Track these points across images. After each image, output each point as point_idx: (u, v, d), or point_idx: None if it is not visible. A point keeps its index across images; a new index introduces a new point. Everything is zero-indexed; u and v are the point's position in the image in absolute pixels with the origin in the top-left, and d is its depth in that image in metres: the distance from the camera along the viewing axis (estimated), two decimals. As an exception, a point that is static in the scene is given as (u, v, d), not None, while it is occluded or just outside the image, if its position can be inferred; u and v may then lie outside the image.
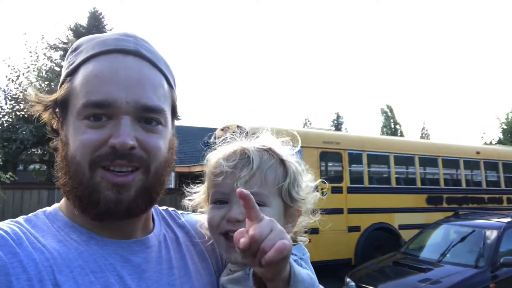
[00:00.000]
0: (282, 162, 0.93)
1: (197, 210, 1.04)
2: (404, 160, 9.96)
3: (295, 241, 0.97)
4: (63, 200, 0.91)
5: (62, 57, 18.30)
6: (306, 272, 0.75)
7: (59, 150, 0.86)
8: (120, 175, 0.80)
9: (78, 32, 21.68)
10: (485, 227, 6.86)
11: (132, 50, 0.85)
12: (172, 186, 18.39)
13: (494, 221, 7.23)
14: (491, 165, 11.29)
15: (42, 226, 0.84)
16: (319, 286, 0.80)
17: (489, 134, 24.28)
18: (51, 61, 18.86)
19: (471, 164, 10.96)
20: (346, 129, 45.67)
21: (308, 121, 48.72)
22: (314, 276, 0.78)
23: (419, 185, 9.83)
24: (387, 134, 37.17)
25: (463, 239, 6.87)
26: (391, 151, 9.55)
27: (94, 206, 0.79)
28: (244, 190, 0.68)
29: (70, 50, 0.90)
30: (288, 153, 0.96)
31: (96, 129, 0.79)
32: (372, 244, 8.74)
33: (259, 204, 0.87)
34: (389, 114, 42.40)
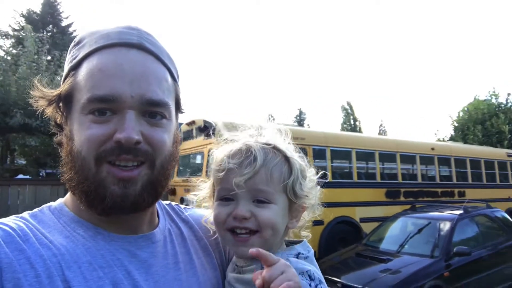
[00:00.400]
0: (286, 159, 0.95)
1: (201, 205, 1.04)
2: (365, 155, 10.31)
3: (298, 236, 1.01)
4: (68, 195, 0.90)
5: (14, 45, 17.28)
6: None
7: (63, 145, 0.85)
8: (126, 169, 0.80)
9: (31, 19, 20.55)
10: (440, 219, 7.27)
11: (136, 44, 0.84)
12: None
13: (448, 213, 7.68)
14: (444, 161, 11.94)
15: (48, 222, 0.84)
16: None
17: (442, 131, 25.57)
18: (2, 49, 17.75)
19: (426, 160, 11.53)
20: (308, 125, 46.55)
21: (272, 116, 49.09)
22: None
23: (378, 179, 10.22)
24: (347, 130, 38.25)
25: (419, 230, 7.25)
26: (353, 147, 9.86)
27: (101, 201, 0.79)
28: (254, 250, 0.76)
29: (72, 44, 0.88)
30: (292, 149, 0.98)
31: (101, 124, 0.79)
32: (335, 237, 8.98)
33: (264, 202, 0.90)
34: (349, 111, 43.64)
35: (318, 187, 1.03)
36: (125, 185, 0.80)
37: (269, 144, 0.96)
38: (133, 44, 0.84)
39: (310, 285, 0.85)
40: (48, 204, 0.90)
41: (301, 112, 51.16)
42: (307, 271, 0.87)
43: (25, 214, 0.85)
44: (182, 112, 0.97)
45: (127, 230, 0.87)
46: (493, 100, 23.10)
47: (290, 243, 1.01)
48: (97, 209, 0.81)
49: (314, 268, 0.90)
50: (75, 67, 0.84)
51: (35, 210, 0.87)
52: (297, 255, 0.93)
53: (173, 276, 0.89)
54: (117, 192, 0.79)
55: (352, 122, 43.24)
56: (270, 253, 0.78)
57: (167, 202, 1.08)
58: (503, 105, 22.68)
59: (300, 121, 48.06)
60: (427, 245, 6.78)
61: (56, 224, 0.83)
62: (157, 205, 0.99)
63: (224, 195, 0.93)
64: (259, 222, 0.89)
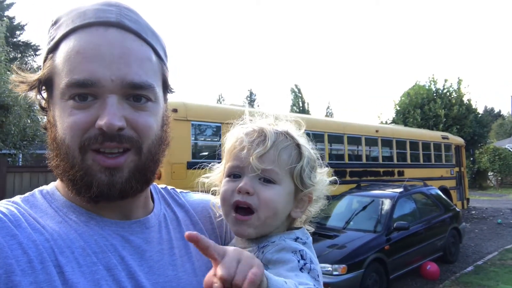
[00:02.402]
0: (297, 146, 0.97)
1: (210, 188, 1.04)
2: (315, 137, 10.58)
3: (299, 227, 1.01)
4: (59, 180, 0.87)
5: None
6: (282, 280, 0.74)
7: (48, 131, 0.82)
8: (111, 157, 0.77)
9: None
10: (382, 197, 7.76)
11: (114, 22, 0.79)
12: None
13: (389, 191, 8.20)
14: (387, 142, 12.63)
15: (40, 207, 0.82)
16: None
17: (385, 114, 26.89)
18: None
19: (370, 141, 12.13)
20: (258, 105, 46.85)
21: (222, 97, 48.86)
22: (291, 286, 0.76)
23: (327, 160, 10.62)
24: (296, 112, 39.05)
25: (364, 208, 7.69)
26: (305, 129, 10.10)
27: (87, 189, 0.77)
28: (192, 233, 0.63)
29: (50, 24, 0.83)
30: (305, 141, 1.00)
31: (82, 110, 0.76)
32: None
33: (269, 181, 0.92)
34: (298, 93, 44.48)
35: (327, 182, 1.03)
36: (111, 173, 0.78)
37: (282, 130, 0.98)
38: (111, 22, 0.79)
39: (299, 261, 0.85)
40: (40, 188, 0.87)
41: (251, 93, 51.32)
42: (300, 251, 0.87)
43: (17, 199, 0.82)
44: (171, 92, 0.93)
45: (121, 215, 0.86)
46: (432, 86, 24.57)
47: (289, 229, 1.00)
48: (84, 197, 0.79)
49: (309, 251, 0.90)
50: (53, 49, 0.80)
51: (27, 194, 0.85)
52: (295, 240, 0.93)
53: (167, 262, 0.88)
54: (104, 180, 0.77)
55: (300, 104, 44.15)
56: (217, 244, 0.66)
57: (163, 186, 1.06)
58: (440, 91, 24.26)
59: (250, 102, 48.21)
60: (371, 221, 7.23)
61: (48, 209, 0.81)
62: (152, 189, 0.97)
63: (232, 172, 0.95)
64: (260, 200, 0.90)
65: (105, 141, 0.76)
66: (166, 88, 0.90)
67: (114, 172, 0.78)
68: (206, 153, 8.22)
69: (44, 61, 0.82)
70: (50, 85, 0.80)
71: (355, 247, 6.25)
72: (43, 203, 0.83)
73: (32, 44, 26.89)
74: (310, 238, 0.97)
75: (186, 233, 0.64)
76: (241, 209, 0.91)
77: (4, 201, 0.80)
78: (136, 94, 0.79)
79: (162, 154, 0.88)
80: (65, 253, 0.75)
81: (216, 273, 0.63)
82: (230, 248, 0.67)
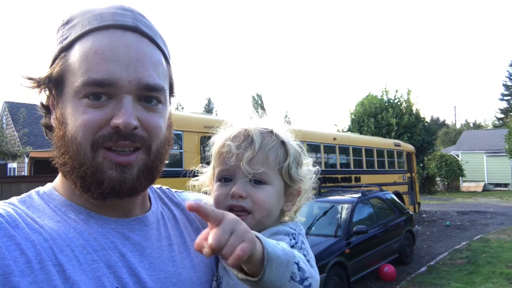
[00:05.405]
0: (283, 143, 0.99)
1: (201, 189, 1.06)
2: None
3: (292, 219, 1.05)
4: (58, 180, 0.88)
5: None
6: (281, 248, 0.74)
7: (54, 129, 0.83)
8: (122, 154, 0.79)
9: None
10: (342, 202, 8.00)
11: (131, 26, 0.82)
12: (25, 173, 16.24)
13: (348, 197, 8.47)
14: (344, 150, 13.08)
15: (38, 207, 0.81)
16: (296, 258, 0.78)
17: (341, 123, 27.74)
18: None
19: (329, 149, 12.50)
20: (216, 114, 46.77)
21: (180, 105, 48.26)
22: (289, 251, 0.76)
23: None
24: (255, 121, 39.24)
25: (325, 213, 7.87)
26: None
27: (98, 186, 0.79)
28: (192, 203, 0.63)
29: (61, 23, 0.84)
30: (288, 136, 1.02)
31: (97, 108, 0.77)
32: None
33: (260, 182, 0.94)
34: (258, 101, 44.94)
35: (313, 174, 1.07)
36: (122, 170, 0.79)
37: (266, 128, 1.00)
38: (128, 26, 0.81)
39: (290, 240, 0.90)
40: (36, 189, 0.87)
41: (210, 102, 51.17)
42: (292, 234, 0.91)
43: (13, 200, 0.82)
44: (174, 96, 0.96)
45: (120, 213, 0.87)
46: (384, 96, 25.75)
47: (281, 222, 1.04)
48: (94, 194, 0.79)
49: (302, 238, 0.94)
50: (67, 48, 0.80)
51: (23, 195, 0.84)
52: None
53: (167, 258, 0.90)
54: (115, 176, 0.79)
55: (259, 112, 44.60)
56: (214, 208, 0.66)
57: (158, 185, 1.08)
58: (392, 100, 25.47)
59: (209, 111, 48.01)
60: (331, 226, 7.41)
61: (46, 209, 0.81)
62: (148, 188, 0.97)
63: (223, 176, 0.97)
64: (254, 202, 0.93)
65: (120, 140, 0.78)
66: (171, 91, 0.94)
67: (125, 169, 0.80)
68: (167, 161, 8.07)
69: (54, 59, 0.82)
70: (61, 83, 0.81)
71: (317, 252, 6.36)
72: (40, 203, 0.83)
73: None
74: (303, 230, 1.01)
75: (187, 203, 0.64)
76: (236, 210, 0.94)
77: (0, 202, 0.80)
78: (149, 95, 0.82)
79: (167, 155, 0.91)
80: (65, 251, 0.75)
81: (209, 238, 0.62)
82: (228, 216, 0.66)
